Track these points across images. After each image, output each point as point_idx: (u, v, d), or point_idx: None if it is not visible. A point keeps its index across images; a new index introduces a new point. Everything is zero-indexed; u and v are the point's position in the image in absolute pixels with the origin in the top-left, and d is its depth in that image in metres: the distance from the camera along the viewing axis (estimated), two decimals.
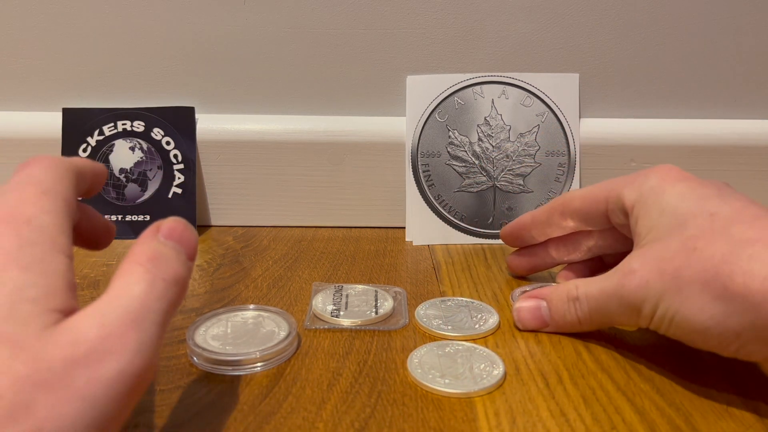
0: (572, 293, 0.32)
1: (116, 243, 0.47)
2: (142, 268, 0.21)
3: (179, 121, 0.50)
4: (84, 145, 0.49)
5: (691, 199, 0.29)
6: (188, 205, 0.49)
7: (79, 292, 0.38)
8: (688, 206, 0.28)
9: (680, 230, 0.28)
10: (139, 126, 0.50)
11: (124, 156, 0.50)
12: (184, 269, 0.22)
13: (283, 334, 0.31)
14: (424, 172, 0.49)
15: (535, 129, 0.49)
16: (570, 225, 0.36)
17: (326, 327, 0.34)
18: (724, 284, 0.25)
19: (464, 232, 0.49)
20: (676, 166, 0.31)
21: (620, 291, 0.29)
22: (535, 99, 0.49)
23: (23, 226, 0.21)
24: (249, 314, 0.34)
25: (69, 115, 0.49)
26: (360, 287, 0.38)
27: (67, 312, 0.19)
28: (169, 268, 0.21)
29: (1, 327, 0.17)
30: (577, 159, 0.49)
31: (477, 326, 0.34)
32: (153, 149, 0.50)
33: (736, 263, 0.25)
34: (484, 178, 0.49)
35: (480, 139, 0.49)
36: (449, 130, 0.49)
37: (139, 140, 0.50)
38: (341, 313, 0.35)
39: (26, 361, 0.17)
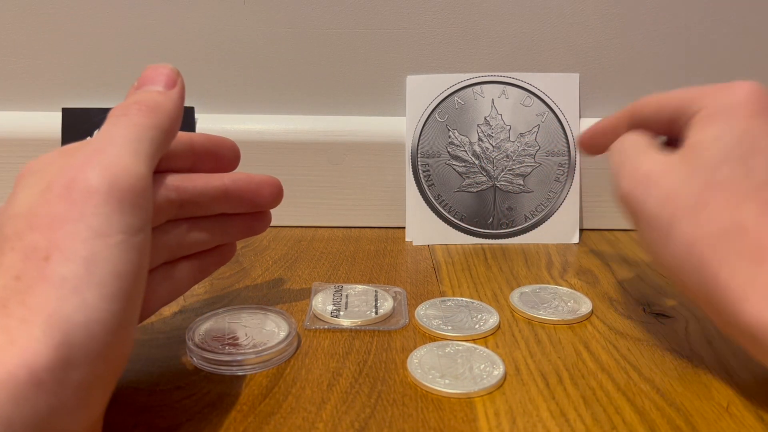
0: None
1: None
2: (113, 118, 0.24)
3: None
4: None
5: (748, 143, 0.27)
6: None
7: None
8: (740, 150, 0.27)
9: (714, 169, 0.27)
10: None
11: None
12: (157, 95, 0.25)
13: (282, 334, 0.31)
14: (424, 172, 0.49)
15: (535, 129, 0.49)
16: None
17: (326, 327, 0.34)
18: (696, 269, 0.26)
19: (464, 232, 0.49)
20: (764, 90, 0.28)
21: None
22: (535, 99, 0.49)
23: None
24: (249, 315, 0.34)
25: (69, 115, 0.49)
26: (360, 287, 0.38)
27: None
28: (142, 100, 0.24)
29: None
30: (577, 159, 0.49)
31: (477, 326, 0.34)
32: None
33: (714, 253, 0.25)
34: (484, 178, 0.49)
35: (480, 139, 0.49)
36: (449, 130, 0.49)
37: None
38: (341, 313, 0.35)
39: None
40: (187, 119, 0.50)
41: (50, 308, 0.18)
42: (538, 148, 0.49)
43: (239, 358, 0.29)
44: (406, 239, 0.49)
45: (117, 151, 0.22)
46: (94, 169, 0.21)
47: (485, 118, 0.49)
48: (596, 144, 0.37)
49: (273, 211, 0.34)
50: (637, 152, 0.30)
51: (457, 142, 0.49)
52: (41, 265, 0.19)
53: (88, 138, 0.23)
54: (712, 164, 0.27)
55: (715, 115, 0.28)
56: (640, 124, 0.33)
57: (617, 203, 0.31)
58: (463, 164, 0.49)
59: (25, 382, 0.17)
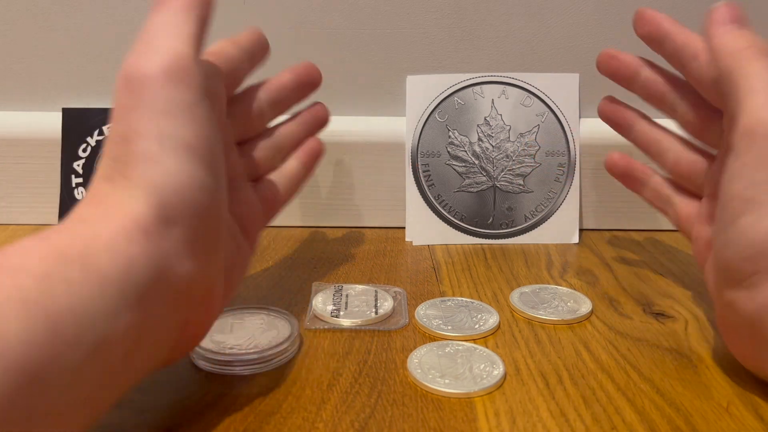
0: None
1: None
2: (154, 8, 0.27)
3: None
4: (84, 145, 0.49)
5: None
6: None
7: None
8: None
9: None
10: None
11: None
12: None
13: (285, 334, 0.31)
14: (424, 172, 0.49)
15: (535, 129, 0.49)
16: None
17: (326, 327, 0.34)
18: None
19: (464, 232, 0.49)
20: None
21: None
22: (535, 99, 0.49)
23: None
24: (251, 315, 0.34)
25: (69, 115, 0.49)
26: (360, 287, 0.38)
27: None
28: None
29: None
30: (577, 159, 0.49)
31: (477, 326, 0.34)
32: None
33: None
34: (484, 178, 0.49)
35: (480, 139, 0.49)
36: (449, 130, 0.49)
37: None
38: (341, 313, 0.35)
39: None
40: None
41: (142, 178, 0.23)
42: (538, 148, 0.49)
43: (240, 358, 0.29)
44: (406, 239, 0.49)
45: (161, 38, 0.25)
46: (144, 58, 0.25)
47: (485, 118, 0.49)
48: (614, 71, 0.37)
49: None
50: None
51: (457, 142, 0.49)
52: (127, 147, 0.23)
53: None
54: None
55: None
56: (703, 63, 0.31)
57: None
58: (463, 164, 0.49)
59: (135, 231, 0.22)
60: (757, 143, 0.26)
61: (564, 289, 0.39)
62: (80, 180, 0.49)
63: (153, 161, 0.23)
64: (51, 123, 0.50)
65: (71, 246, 0.20)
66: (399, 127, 0.50)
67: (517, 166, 0.49)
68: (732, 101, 0.28)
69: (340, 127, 0.51)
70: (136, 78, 0.24)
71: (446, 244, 0.48)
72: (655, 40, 0.35)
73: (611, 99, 0.38)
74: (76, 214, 0.22)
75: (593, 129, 0.50)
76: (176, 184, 0.23)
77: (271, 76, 0.52)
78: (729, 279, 0.27)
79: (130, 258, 0.21)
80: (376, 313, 0.35)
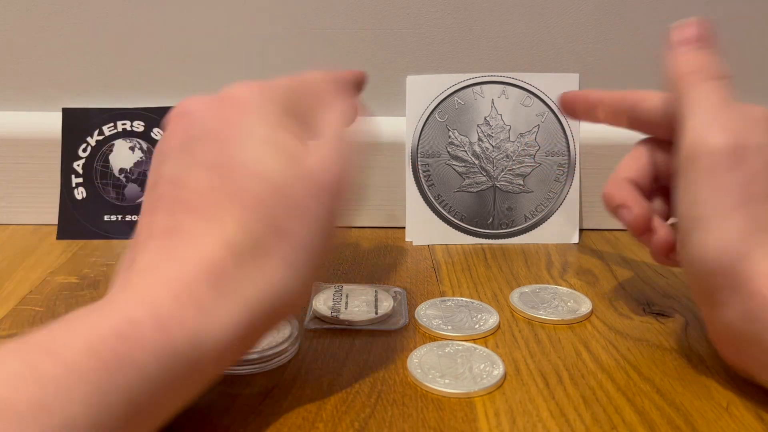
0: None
1: (115, 243, 0.47)
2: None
3: None
4: (84, 145, 0.49)
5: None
6: None
7: (78, 292, 0.39)
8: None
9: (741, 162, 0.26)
10: (138, 126, 0.50)
11: (124, 156, 0.50)
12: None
13: (285, 334, 0.31)
14: (424, 172, 0.49)
15: (535, 129, 0.49)
16: (613, 122, 0.33)
17: (326, 327, 0.34)
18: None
19: (464, 232, 0.49)
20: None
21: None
22: (535, 99, 0.49)
23: None
24: None
25: (69, 115, 0.49)
26: (360, 287, 0.38)
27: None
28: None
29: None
30: (577, 159, 0.49)
31: (477, 326, 0.34)
32: (153, 149, 0.50)
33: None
34: (484, 178, 0.49)
35: (480, 139, 0.49)
36: (449, 130, 0.49)
37: (138, 140, 0.50)
38: (341, 313, 0.35)
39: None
40: None
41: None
42: (538, 148, 0.49)
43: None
44: (406, 239, 0.49)
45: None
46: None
47: (485, 118, 0.49)
48: (575, 110, 0.36)
49: None
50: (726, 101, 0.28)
51: (457, 142, 0.49)
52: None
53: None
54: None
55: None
56: (642, 115, 0.32)
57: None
58: (463, 164, 0.49)
59: (224, 258, 0.23)
60: (699, 162, 0.27)
61: (564, 289, 0.39)
62: (80, 180, 0.49)
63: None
64: (51, 123, 0.50)
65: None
66: (399, 127, 0.50)
67: (517, 166, 0.49)
68: (678, 124, 0.28)
69: None
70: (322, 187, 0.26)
71: (446, 244, 0.48)
72: (590, 112, 0.36)
73: (565, 93, 0.37)
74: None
75: (593, 129, 0.50)
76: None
77: (267, 76, 0.52)
78: (698, 298, 0.28)
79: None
80: (376, 313, 0.35)
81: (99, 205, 0.49)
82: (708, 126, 0.27)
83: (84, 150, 0.49)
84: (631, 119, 0.34)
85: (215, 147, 0.25)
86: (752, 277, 0.25)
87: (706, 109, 0.28)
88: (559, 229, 0.49)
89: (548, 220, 0.49)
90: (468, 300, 0.37)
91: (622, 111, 0.34)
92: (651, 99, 0.33)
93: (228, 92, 0.28)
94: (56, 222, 0.49)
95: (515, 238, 0.49)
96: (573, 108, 0.37)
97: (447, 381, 0.28)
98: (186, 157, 0.25)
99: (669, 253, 0.32)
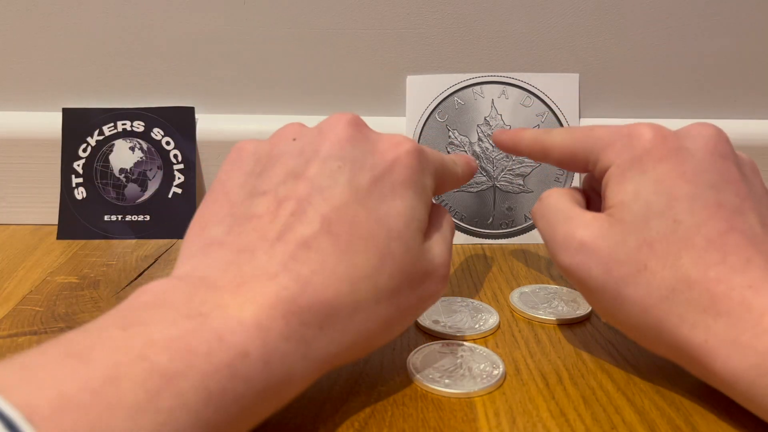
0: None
1: (116, 243, 0.47)
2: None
3: (179, 121, 0.50)
4: (84, 145, 0.49)
5: (664, 193, 0.27)
6: (189, 205, 0.50)
7: (78, 292, 0.39)
8: (659, 202, 0.27)
9: (643, 227, 0.27)
10: (139, 126, 0.50)
11: (124, 156, 0.50)
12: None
13: None
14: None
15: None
16: (543, 161, 0.34)
17: None
18: (655, 328, 0.26)
19: (464, 232, 0.49)
20: (664, 131, 0.28)
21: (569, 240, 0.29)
22: (535, 99, 0.49)
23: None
24: None
25: (69, 115, 0.49)
26: None
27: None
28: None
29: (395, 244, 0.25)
30: None
31: (477, 326, 0.34)
32: (153, 149, 0.50)
33: (670, 312, 0.25)
34: (483, 178, 0.49)
35: (480, 139, 0.49)
36: (449, 130, 0.49)
37: (139, 140, 0.50)
38: None
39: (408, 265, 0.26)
40: (187, 119, 0.50)
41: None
42: None
43: None
44: None
45: None
46: None
47: (485, 119, 0.49)
48: (509, 148, 0.37)
49: None
50: (564, 218, 0.29)
51: (457, 143, 0.49)
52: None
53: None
54: (639, 223, 0.27)
55: (626, 170, 0.28)
56: (551, 160, 0.33)
57: (560, 272, 0.31)
58: None
59: (345, 296, 0.24)
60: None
61: (564, 289, 0.39)
62: (80, 180, 0.49)
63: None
64: (51, 123, 0.50)
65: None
66: (399, 127, 0.50)
67: (517, 166, 0.49)
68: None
69: None
70: None
71: None
72: (513, 149, 0.36)
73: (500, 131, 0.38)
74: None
75: None
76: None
77: (268, 76, 0.52)
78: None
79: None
80: None
81: (99, 205, 0.49)
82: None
83: (84, 150, 0.49)
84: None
85: (379, 196, 0.26)
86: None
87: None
88: None
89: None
90: (468, 300, 0.37)
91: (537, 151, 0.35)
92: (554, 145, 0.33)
93: (392, 141, 0.27)
94: (56, 222, 0.49)
95: (515, 238, 0.49)
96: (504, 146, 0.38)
97: (447, 381, 0.28)
98: (342, 173, 0.25)
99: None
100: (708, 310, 0.24)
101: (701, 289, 0.25)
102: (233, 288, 0.22)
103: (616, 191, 0.28)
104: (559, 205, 0.30)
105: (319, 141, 0.26)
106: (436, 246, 0.28)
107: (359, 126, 0.27)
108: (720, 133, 0.28)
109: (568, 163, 0.32)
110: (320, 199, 0.25)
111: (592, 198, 0.34)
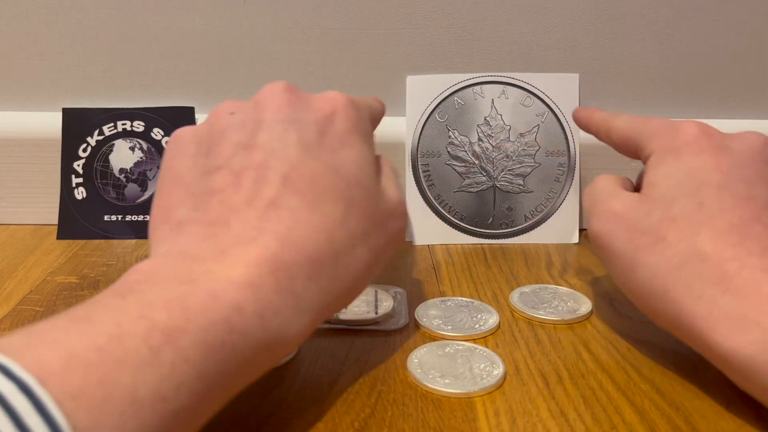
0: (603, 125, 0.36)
1: (116, 243, 0.47)
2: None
3: (179, 121, 0.50)
4: (84, 145, 0.49)
5: (695, 179, 0.28)
6: None
7: (78, 292, 0.39)
8: (689, 185, 0.28)
9: (669, 204, 0.28)
10: (139, 126, 0.50)
11: (124, 156, 0.50)
12: None
13: None
14: (424, 172, 0.49)
15: (535, 129, 0.49)
16: (607, 142, 0.36)
17: (326, 327, 0.34)
18: (661, 297, 0.27)
19: (464, 232, 0.49)
20: (710, 130, 0.30)
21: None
22: (535, 99, 0.49)
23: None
24: None
25: (69, 115, 0.49)
26: None
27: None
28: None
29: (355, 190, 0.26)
30: (577, 159, 0.49)
31: (477, 326, 0.34)
32: (153, 149, 0.50)
33: (678, 282, 0.26)
34: (484, 178, 0.49)
35: (480, 139, 0.49)
36: (449, 130, 0.49)
37: (139, 140, 0.50)
38: (341, 313, 0.35)
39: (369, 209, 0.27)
40: (187, 119, 0.50)
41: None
42: (538, 148, 0.49)
43: None
44: (406, 239, 0.49)
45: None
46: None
47: (485, 118, 0.49)
48: (585, 126, 0.39)
49: None
50: (608, 195, 0.32)
51: (457, 142, 0.49)
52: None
53: None
54: (666, 200, 0.28)
55: (664, 157, 0.30)
56: (614, 145, 0.35)
57: (590, 242, 0.33)
58: (463, 164, 0.49)
59: (323, 245, 0.25)
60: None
61: (564, 289, 0.39)
62: (80, 180, 0.49)
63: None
64: (51, 123, 0.50)
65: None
66: (399, 127, 0.50)
67: (517, 166, 0.49)
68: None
69: None
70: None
71: (446, 244, 0.48)
72: (585, 125, 0.39)
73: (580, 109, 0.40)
74: None
75: None
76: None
77: (267, 76, 0.52)
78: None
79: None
80: (376, 313, 0.35)
81: (99, 205, 0.49)
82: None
83: (84, 150, 0.49)
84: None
85: (331, 148, 0.27)
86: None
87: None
88: (559, 229, 0.49)
89: (548, 220, 0.49)
90: (468, 300, 0.37)
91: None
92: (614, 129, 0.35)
93: (328, 97, 0.29)
94: (56, 222, 0.49)
95: (515, 238, 0.49)
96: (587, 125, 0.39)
97: (447, 381, 0.28)
98: (303, 141, 0.26)
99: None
100: (717, 284, 0.25)
101: (714, 264, 0.25)
102: (217, 256, 0.23)
103: (650, 174, 0.30)
104: (605, 185, 0.33)
105: (259, 110, 0.27)
106: (389, 186, 0.29)
107: (294, 90, 0.29)
108: (767, 141, 0.29)
109: (623, 146, 0.34)
110: (276, 162, 0.25)
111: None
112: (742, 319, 0.24)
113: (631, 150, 0.33)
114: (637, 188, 0.34)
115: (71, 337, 0.17)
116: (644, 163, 0.32)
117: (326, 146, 0.27)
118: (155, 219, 0.27)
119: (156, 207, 0.27)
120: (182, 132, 0.28)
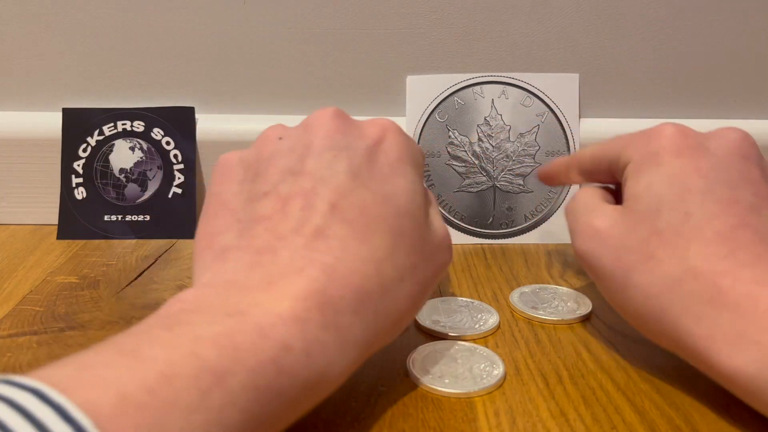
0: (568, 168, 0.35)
1: (116, 243, 0.47)
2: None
3: (179, 121, 0.50)
4: (84, 145, 0.49)
5: (677, 185, 0.27)
6: (189, 205, 0.50)
7: (78, 292, 0.39)
8: (672, 194, 0.27)
9: (654, 217, 0.27)
10: (139, 126, 0.50)
11: (124, 156, 0.50)
12: None
13: None
14: (424, 172, 0.49)
15: (535, 129, 0.49)
16: (581, 180, 0.35)
17: None
18: (658, 318, 0.26)
19: (464, 232, 0.49)
20: (686, 130, 0.29)
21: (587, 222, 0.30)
22: (535, 99, 0.49)
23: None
24: None
25: (69, 115, 0.49)
26: None
27: None
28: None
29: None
30: None
31: (477, 326, 0.34)
32: (153, 149, 0.50)
33: (674, 302, 0.25)
34: (484, 178, 0.49)
35: (480, 139, 0.49)
36: (449, 130, 0.49)
37: (139, 140, 0.50)
38: None
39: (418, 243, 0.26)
40: (187, 119, 0.50)
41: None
42: (538, 148, 0.49)
43: None
44: None
45: None
46: None
47: (485, 119, 0.49)
48: (552, 179, 0.38)
49: None
50: (588, 210, 0.31)
51: (457, 142, 0.49)
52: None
53: None
54: (651, 213, 0.27)
55: (642, 164, 0.29)
56: (584, 172, 0.34)
57: (576, 260, 0.32)
58: (463, 164, 0.49)
59: (371, 279, 0.24)
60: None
61: (564, 289, 0.39)
62: (80, 180, 0.49)
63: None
64: (51, 123, 0.50)
65: None
66: None
67: (517, 166, 0.49)
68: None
69: None
70: None
71: None
72: (552, 181, 0.39)
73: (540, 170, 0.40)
74: None
75: (593, 129, 0.50)
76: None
77: (267, 76, 0.52)
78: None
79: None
80: None
81: (99, 205, 0.49)
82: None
83: (84, 150, 0.49)
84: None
85: (381, 178, 0.26)
86: None
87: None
88: (559, 229, 0.49)
89: (548, 220, 0.49)
90: (468, 300, 0.37)
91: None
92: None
93: (379, 123, 0.28)
94: (56, 222, 0.49)
95: (515, 238, 0.49)
96: (547, 181, 0.39)
97: (447, 381, 0.28)
98: (353, 170, 0.26)
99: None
100: (712, 302, 0.24)
101: (707, 281, 0.25)
102: (264, 286, 0.22)
103: (631, 185, 0.29)
104: (586, 199, 0.32)
105: (308, 136, 0.27)
106: (435, 217, 0.29)
107: (343, 116, 0.28)
108: (746, 137, 0.29)
109: (596, 169, 0.33)
110: (325, 189, 0.25)
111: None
112: (740, 337, 0.23)
113: (605, 169, 0.32)
114: (617, 199, 0.34)
115: (121, 375, 0.17)
116: (620, 175, 0.31)
117: (376, 174, 0.26)
118: (199, 245, 0.26)
119: (200, 233, 0.27)
120: (229, 156, 0.28)
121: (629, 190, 0.29)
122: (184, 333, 0.19)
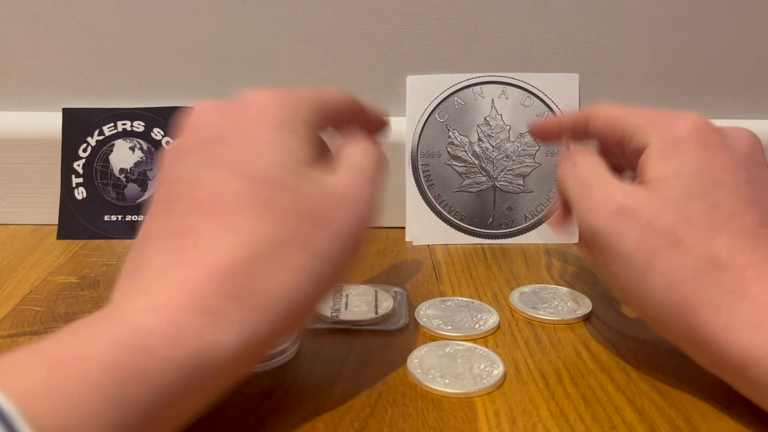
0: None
1: (116, 243, 0.47)
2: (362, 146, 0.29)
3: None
4: (84, 145, 0.49)
5: (707, 177, 0.27)
6: None
7: (78, 292, 0.39)
8: (702, 185, 0.27)
9: (684, 204, 0.27)
10: (139, 126, 0.50)
11: (124, 156, 0.50)
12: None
13: None
14: (424, 172, 0.49)
15: None
16: (581, 137, 0.34)
17: (326, 327, 0.34)
18: (676, 305, 0.26)
19: (464, 232, 0.49)
20: (708, 122, 0.29)
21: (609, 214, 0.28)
22: (535, 99, 0.49)
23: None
24: None
25: (69, 115, 0.49)
26: (360, 287, 0.38)
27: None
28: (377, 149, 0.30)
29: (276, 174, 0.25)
30: None
31: (477, 326, 0.34)
32: (153, 149, 0.50)
33: (697, 291, 0.25)
34: (484, 178, 0.49)
35: (480, 139, 0.49)
36: (449, 130, 0.49)
37: (139, 140, 0.50)
38: (341, 313, 0.35)
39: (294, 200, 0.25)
40: None
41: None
42: (538, 148, 0.49)
43: None
44: (406, 239, 0.49)
45: None
46: None
47: (485, 119, 0.49)
48: (547, 134, 0.36)
49: None
50: (603, 182, 0.29)
51: (457, 142, 0.49)
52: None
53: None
54: (681, 200, 0.27)
55: (667, 149, 0.28)
56: (592, 133, 0.33)
57: (582, 240, 0.31)
58: (463, 164, 0.49)
59: (241, 264, 0.23)
60: None
61: (564, 289, 0.39)
62: (80, 180, 0.49)
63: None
64: (51, 123, 0.50)
65: None
66: (399, 127, 0.50)
67: (517, 166, 0.49)
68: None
69: None
70: None
71: (446, 244, 0.48)
72: (547, 135, 0.37)
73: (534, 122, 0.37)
74: None
75: None
76: None
77: (267, 76, 0.52)
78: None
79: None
80: (376, 313, 0.35)
81: (99, 205, 0.49)
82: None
83: (84, 150, 0.49)
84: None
85: (237, 151, 0.25)
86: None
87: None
88: None
89: (548, 220, 0.49)
90: (468, 300, 0.37)
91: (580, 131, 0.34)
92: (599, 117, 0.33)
93: (249, 98, 0.28)
94: (56, 222, 0.49)
95: (515, 238, 0.49)
96: (542, 135, 0.38)
97: (447, 381, 0.28)
98: (205, 158, 0.25)
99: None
100: (735, 291, 0.25)
101: (731, 271, 0.25)
102: (134, 285, 0.23)
103: (656, 167, 0.28)
104: (595, 169, 0.30)
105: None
106: (341, 174, 0.27)
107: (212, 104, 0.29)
108: (758, 142, 0.29)
109: (607, 132, 0.32)
110: (178, 187, 0.25)
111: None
112: (759, 326, 0.24)
113: (616, 138, 0.31)
114: (617, 171, 0.32)
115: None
116: (632, 152, 0.30)
117: (235, 156, 0.25)
118: None
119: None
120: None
121: (653, 172, 0.28)
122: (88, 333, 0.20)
